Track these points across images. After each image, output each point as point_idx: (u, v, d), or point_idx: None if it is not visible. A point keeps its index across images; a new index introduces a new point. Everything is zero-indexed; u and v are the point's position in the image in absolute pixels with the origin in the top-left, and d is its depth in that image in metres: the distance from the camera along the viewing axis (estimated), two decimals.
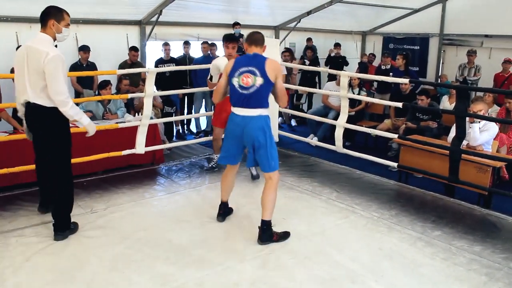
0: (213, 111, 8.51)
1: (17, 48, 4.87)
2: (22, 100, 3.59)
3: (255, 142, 3.62)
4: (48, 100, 3.49)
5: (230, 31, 8.87)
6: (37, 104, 3.50)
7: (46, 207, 4.09)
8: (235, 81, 3.61)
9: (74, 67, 6.78)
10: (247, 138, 3.65)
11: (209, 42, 8.24)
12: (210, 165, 5.60)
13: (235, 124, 3.68)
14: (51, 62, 3.37)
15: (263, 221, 3.64)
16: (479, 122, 4.99)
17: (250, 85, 3.55)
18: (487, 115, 5.10)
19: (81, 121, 3.66)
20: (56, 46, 3.61)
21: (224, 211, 4.11)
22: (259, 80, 3.54)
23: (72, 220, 3.83)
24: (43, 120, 3.57)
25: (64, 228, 3.74)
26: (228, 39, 4.94)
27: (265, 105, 3.64)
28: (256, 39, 3.72)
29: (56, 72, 3.40)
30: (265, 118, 3.66)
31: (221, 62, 4.60)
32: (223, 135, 4.84)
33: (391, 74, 8.13)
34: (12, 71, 6.06)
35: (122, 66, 7.12)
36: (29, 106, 3.57)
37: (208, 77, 4.85)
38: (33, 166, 4.22)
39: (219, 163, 4.08)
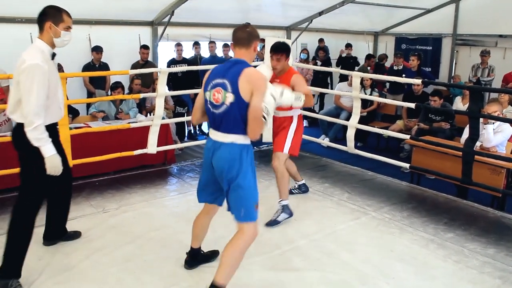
0: None
1: None
2: (7, 113, 3.11)
3: (223, 176, 2.79)
4: (21, 116, 2.94)
5: None
6: (13, 120, 3.09)
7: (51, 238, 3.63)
8: (207, 96, 2.83)
9: (87, 67, 6.87)
10: (215, 170, 2.84)
11: (225, 43, 8.35)
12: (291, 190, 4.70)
13: (207, 149, 2.90)
14: (25, 71, 2.85)
15: (212, 285, 2.70)
16: (493, 123, 4.93)
17: (220, 103, 2.73)
18: (501, 116, 5.04)
19: (42, 150, 2.95)
20: (54, 55, 3.13)
21: (193, 258, 3.30)
22: (230, 97, 2.69)
23: (84, 220, 3.83)
24: (20, 139, 2.98)
25: (5, 275, 3.01)
26: (272, 49, 4.06)
27: (239, 131, 2.75)
28: (238, 37, 2.83)
29: (29, 83, 2.84)
30: (241, 148, 2.77)
31: (263, 72, 3.81)
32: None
33: (404, 75, 8.07)
34: None
35: (135, 66, 7.17)
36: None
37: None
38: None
39: (199, 201, 3.13)
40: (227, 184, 2.79)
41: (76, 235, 3.72)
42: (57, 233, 3.62)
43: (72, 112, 5.94)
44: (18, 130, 3.00)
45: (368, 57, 9.90)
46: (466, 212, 4.50)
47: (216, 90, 2.74)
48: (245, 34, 2.82)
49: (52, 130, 3.12)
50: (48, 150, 2.97)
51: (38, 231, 3.81)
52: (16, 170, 3.33)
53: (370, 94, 7.74)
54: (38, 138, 2.92)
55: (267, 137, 6.05)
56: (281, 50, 4.03)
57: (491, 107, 4.99)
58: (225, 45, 8.41)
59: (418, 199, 4.81)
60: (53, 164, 3.00)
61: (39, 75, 2.87)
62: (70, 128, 4.74)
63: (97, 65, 6.94)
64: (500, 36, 9.34)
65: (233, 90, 2.67)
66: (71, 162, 4.61)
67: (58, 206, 3.55)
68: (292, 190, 4.75)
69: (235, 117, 2.72)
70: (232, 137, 2.77)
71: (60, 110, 3.23)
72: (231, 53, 8.32)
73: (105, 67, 7.02)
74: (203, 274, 3.23)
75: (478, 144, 4.88)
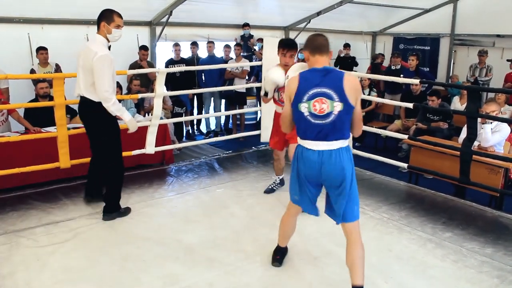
0: (222, 111, 8.65)
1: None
2: (76, 94, 3.98)
3: (335, 183, 2.82)
4: (95, 95, 3.82)
5: (240, 32, 8.91)
6: (87, 98, 3.87)
7: (91, 195, 4.40)
8: (303, 108, 2.75)
9: None
10: (326, 179, 2.83)
11: (226, 44, 8.39)
12: (270, 187, 4.85)
13: (310, 162, 2.81)
14: (98, 61, 3.68)
15: (355, 287, 2.84)
16: (491, 123, 4.94)
17: (326, 113, 2.70)
18: (499, 115, 5.05)
19: (123, 117, 3.95)
20: (109, 47, 3.89)
21: (282, 256, 3.42)
22: (338, 106, 2.69)
23: (82, 220, 3.86)
24: (92, 113, 3.92)
25: (112, 210, 4.11)
26: (286, 45, 4.07)
27: (346, 135, 2.81)
28: (320, 44, 2.86)
29: (102, 70, 3.69)
30: (347, 150, 2.83)
31: (277, 75, 4.03)
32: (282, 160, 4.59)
33: (402, 75, 8.09)
34: (31, 71, 6.28)
35: (133, 66, 7.17)
36: (81, 99, 3.96)
37: (262, 93, 4.38)
38: (44, 166, 4.35)
39: (306, 212, 3.09)
40: (339, 188, 2.81)
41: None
42: (95, 192, 4.39)
43: (70, 112, 5.93)
44: (88, 106, 3.89)
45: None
46: (464, 211, 4.51)
47: (318, 101, 2.70)
48: (325, 41, 2.88)
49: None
50: (127, 116, 3.99)
51: (45, 229, 3.82)
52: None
53: (369, 94, 7.75)
54: (118, 109, 3.87)
55: (266, 137, 6.07)
56: (295, 46, 4.13)
57: (489, 106, 4.99)
58: (226, 46, 8.40)
59: (416, 199, 4.81)
60: (132, 125, 4.14)
61: (111, 63, 3.74)
62: (68, 129, 4.73)
63: None
64: (498, 36, 9.36)
65: (341, 98, 2.68)
66: (69, 162, 4.63)
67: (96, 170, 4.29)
68: (274, 188, 4.83)
69: (343, 124, 2.74)
70: (339, 143, 2.78)
71: (114, 91, 3.91)
72: (232, 54, 8.34)
73: None
74: (202, 274, 3.23)
75: (476, 143, 4.89)
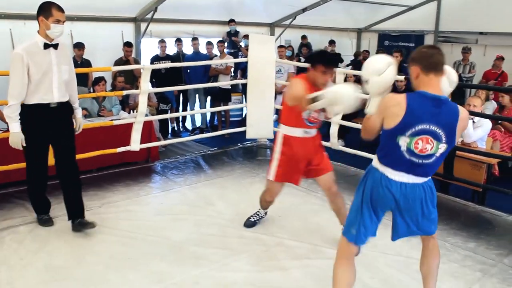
0: (207, 108, 8.64)
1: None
2: None
3: (418, 214, 2.52)
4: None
5: (226, 28, 8.88)
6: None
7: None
8: (402, 141, 2.32)
9: None
10: (405, 211, 2.52)
11: (208, 41, 8.34)
12: (253, 220, 4.00)
13: (387, 191, 2.45)
14: (11, 59, 3.36)
15: None
16: (472, 119, 5.00)
17: (427, 154, 2.33)
18: (481, 111, 5.12)
19: (10, 126, 3.49)
20: (46, 44, 3.40)
21: None
22: (442, 148, 2.33)
23: (67, 219, 3.81)
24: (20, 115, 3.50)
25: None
26: (332, 63, 3.45)
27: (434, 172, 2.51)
28: (438, 61, 2.32)
29: (11, 69, 3.36)
30: (430, 181, 2.54)
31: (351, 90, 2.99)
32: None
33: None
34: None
35: (118, 62, 7.11)
36: None
37: (311, 96, 3.10)
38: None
39: (357, 244, 2.66)
40: (423, 216, 2.53)
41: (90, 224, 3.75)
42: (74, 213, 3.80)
43: None
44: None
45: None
46: (448, 206, 4.56)
47: (423, 139, 2.30)
48: (443, 58, 2.35)
49: (41, 109, 3.49)
50: (14, 127, 3.44)
51: (28, 228, 3.78)
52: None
53: None
54: (8, 116, 3.41)
55: (251, 133, 6.07)
56: (336, 63, 3.62)
57: (473, 100, 5.08)
58: (208, 43, 8.37)
59: None
60: (13, 140, 3.48)
61: (16, 62, 3.31)
62: None
63: (79, 62, 6.85)
64: (481, 33, 9.48)
65: (449, 140, 2.32)
66: (53, 160, 4.57)
67: (67, 188, 3.81)
68: (256, 221, 4.02)
69: (439, 163, 2.44)
70: (427, 179, 2.50)
71: (52, 93, 3.49)
72: (215, 51, 8.30)
73: (87, 64, 6.93)
74: (188, 271, 3.23)
75: (459, 139, 4.95)
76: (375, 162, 2.55)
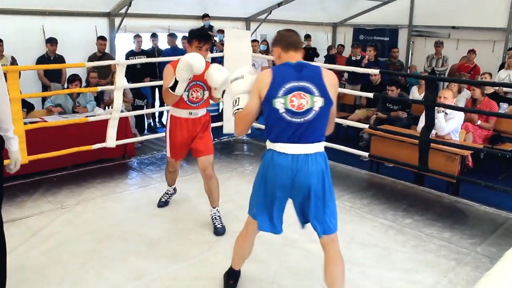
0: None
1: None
2: None
3: (311, 193, 2.50)
4: None
5: (200, 23, 8.82)
6: None
7: None
8: (278, 104, 2.42)
9: (41, 60, 6.66)
10: (299, 188, 2.51)
11: (184, 36, 8.25)
12: (164, 200, 4.29)
13: (282, 168, 2.47)
14: None
15: None
16: (443, 111, 5.07)
17: (305, 109, 2.42)
18: (453, 103, 5.20)
19: None
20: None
21: (236, 280, 3.04)
22: (319, 101, 2.43)
23: (42, 217, 3.70)
24: None
25: None
26: (203, 38, 3.55)
27: (322, 137, 2.54)
28: (294, 41, 2.61)
29: None
30: (324, 155, 2.57)
31: (199, 60, 3.27)
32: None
33: (362, 64, 8.19)
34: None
35: (92, 58, 7.00)
36: None
37: (169, 85, 3.39)
38: None
39: (260, 229, 2.72)
40: (315, 198, 2.51)
41: None
42: None
43: (27, 106, 5.76)
44: None
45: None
46: (423, 198, 4.64)
47: (296, 95, 2.41)
48: (299, 38, 2.68)
49: None
50: None
51: None
52: None
53: None
54: None
55: (228, 128, 6.06)
56: (210, 38, 3.73)
57: (445, 91, 5.16)
58: (184, 37, 8.29)
59: (377, 187, 4.92)
60: None
61: None
62: (25, 123, 4.59)
63: (52, 58, 6.73)
64: (453, 27, 9.64)
65: (322, 93, 2.43)
66: (27, 158, 4.48)
67: None
68: (168, 200, 4.30)
69: (323, 123, 2.50)
70: (317, 146, 2.50)
71: None
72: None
73: (60, 59, 6.81)
74: (166, 267, 3.21)
75: (433, 132, 5.03)
76: (267, 144, 2.58)
